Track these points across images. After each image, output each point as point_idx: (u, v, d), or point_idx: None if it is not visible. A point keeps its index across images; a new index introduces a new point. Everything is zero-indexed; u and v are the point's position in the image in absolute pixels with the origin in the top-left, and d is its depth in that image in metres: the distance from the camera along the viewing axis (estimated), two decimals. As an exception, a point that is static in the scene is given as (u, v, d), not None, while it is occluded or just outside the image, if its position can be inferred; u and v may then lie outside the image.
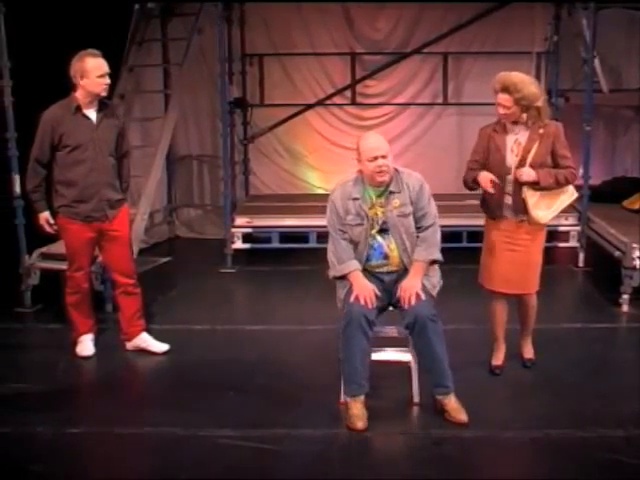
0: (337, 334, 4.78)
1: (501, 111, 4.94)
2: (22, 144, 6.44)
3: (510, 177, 5.03)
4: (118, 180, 5.62)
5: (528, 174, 4.92)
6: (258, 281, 7.83)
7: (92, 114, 5.44)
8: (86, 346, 5.75)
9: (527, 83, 4.90)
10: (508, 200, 5.06)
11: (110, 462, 4.35)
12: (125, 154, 5.71)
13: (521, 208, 5.03)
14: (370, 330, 4.60)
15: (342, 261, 4.71)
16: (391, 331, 4.94)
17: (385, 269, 4.77)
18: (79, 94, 5.40)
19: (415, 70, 9.39)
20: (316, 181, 9.60)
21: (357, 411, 4.62)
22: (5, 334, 6.23)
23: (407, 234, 4.72)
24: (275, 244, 8.18)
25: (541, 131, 4.94)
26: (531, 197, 4.98)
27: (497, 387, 5.22)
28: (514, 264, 5.10)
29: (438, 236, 4.79)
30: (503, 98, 4.89)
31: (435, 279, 4.82)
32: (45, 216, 5.56)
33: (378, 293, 4.67)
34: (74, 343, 5.74)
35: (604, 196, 8.26)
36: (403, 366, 4.85)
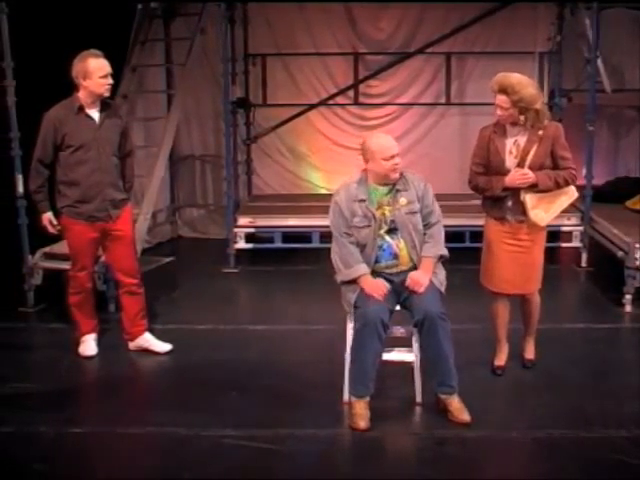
0: (343, 334, 4.80)
1: (499, 112, 4.92)
2: (25, 144, 6.45)
3: None
4: (121, 180, 5.61)
5: (523, 177, 4.90)
6: (261, 281, 7.83)
7: (95, 114, 5.43)
8: (89, 346, 5.74)
9: (525, 85, 4.86)
10: (508, 202, 5.05)
11: (113, 462, 4.36)
12: (128, 153, 5.70)
13: (520, 210, 5.02)
14: (384, 333, 4.61)
15: (349, 265, 4.69)
16: (397, 331, 4.94)
17: (395, 269, 4.76)
18: (81, 94, 5.38)
19: (418, 70, 9.38)
20: (319, 181, 9.60)
21: (360, 411, 4.62)
22: (8, 334, 6.23)
23: (415, 231, 4.73)
24: (278, 244, 8.18)
25: (540, 132, 4.92)
26: (530, 200, 4.97)
27: (500, 387, 5.22)
28: (515, 264, 5.09)
29: (443, 233, 4.83)
30: (501, 99, 4.87)
31: (442, 276, 4.84)
32: (48, 216, 5.56)
33: (387, 285, 4.67)
34: (77, 343, 5.75)
35: (607, 196, 8.26)
36: (406, 366, 4.85)
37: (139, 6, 8.44)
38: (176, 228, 9.62)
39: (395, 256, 4.75)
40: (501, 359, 5.37)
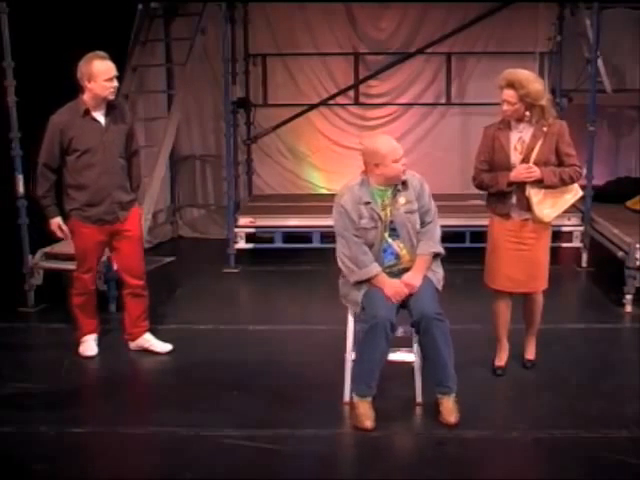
0: (343, 334, 4.80)
1: (505, 107, 4.95)
2: (26, 144, 6.46)
3: None
4: (128, 181, 5.58)
5: (528, 172, 4.92)
6: (261, 281, 7.83)
7: (100, 117, 5.38)
8: (89, 346, 5.74)
9: (532, 80, 4.92)
10: (512, 198, 5.06)
11: (114, 462, 4.35)
12: (134, 153, 5.66)
13: (525, 206, 5.03)
14: (392, 334, 4.61)
15: (364, 265, 4.68)
16: (397, 331, 4.92)
17: (397, 268, 4.76)
18: (87, 97, 5.33)
19: (419, 70, 9.39)
20: (319, 181, 9.60)
21: (365, 411, 4.62)
22: (9, 334, 6.23)
23: (413, 230, 4.73)
24: (278, 244, 8.18)
25: (545, 129, 4.95)
26: (535, 195, 4.98)
27: (500, 387, 5.22)
28: (520, 263, 5.10)
29: (438, 231, 4.82)
30: (508, 94, 4.90)
31: (440, 274, 4.83)
32: (57, 222, 5.50)
33: (406, 291, 4.67)
34: (77, 343, 5.74)
35: (607, 196, 8.26)
36: (406, 366, 4.84)
37: (140, 6, 8.45)
38: (176, 228, 9.62)
39: (397, 256, 4.75)
40: (501, 359, 5.37)
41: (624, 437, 4.47)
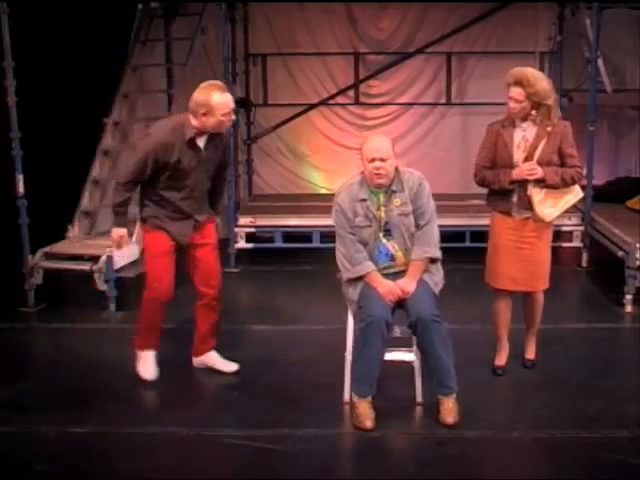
0: (343, 334, 4.80)
1: (512, 104, 4.94)
2: (26, 144, 6.46)
3: None
4: (208, 200, 5.25)
5: (530, 170, 4.92)
6: (262, 281, 7.83)
7: (201, 142, 4.97)
8: (150, 367, 5.31)
9: (540, 79, 4.92)
10: (514, 197, 5.06)
11: (114, 461, 4.36)
12: (222, 170, 5.35)
13: (526, 205, 5.03)
14: (388, 333, 4.61)
15: (357, 262, 4.69)
16: (397, 331, 4.93)
17: (392, 270, 4.76)
18: (197, 124, 4.87)
19: (419, 70, 9.40)
20: (319, 181, 9.62)
21: (365, 410, 4.62)
22: (9, 333, 6.24)
23: (408, 233, 4.72)
24: (278, 244, 8.18)
25: (549, 129, 4.95)
26: (536, 195, 4.99)
27: (501, 387, 5.22)
28: (521, 262, 5.10)
29: (435, 233, 4.78)
30: (515, 91, 4.90)
31: (438, 277, 4.81)
32: (122, 233, 5.11)
33: (399, 291, 4.66)
34: (134, 355, 5.38)
35: (607, 196, 8.27)
36: (406, 366, 4.85)
37: (139, 6, 8.46)
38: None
39: (391, 257, 4.75)
40: (502, 359, 5.37)
41: (624, 437, 4.47)
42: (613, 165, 9.30)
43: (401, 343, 4.87)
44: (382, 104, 9.52)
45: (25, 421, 4.73)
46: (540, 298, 5.29)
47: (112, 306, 6.61)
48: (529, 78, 4.87)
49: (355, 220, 4.70)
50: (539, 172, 4.94)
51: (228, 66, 8.04)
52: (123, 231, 5.12)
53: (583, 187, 7.14)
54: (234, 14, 8.64)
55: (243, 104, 9.09)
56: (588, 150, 7.64)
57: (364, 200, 4.69)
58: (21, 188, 6.51)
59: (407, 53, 9.25)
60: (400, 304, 4.70)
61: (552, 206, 5.04)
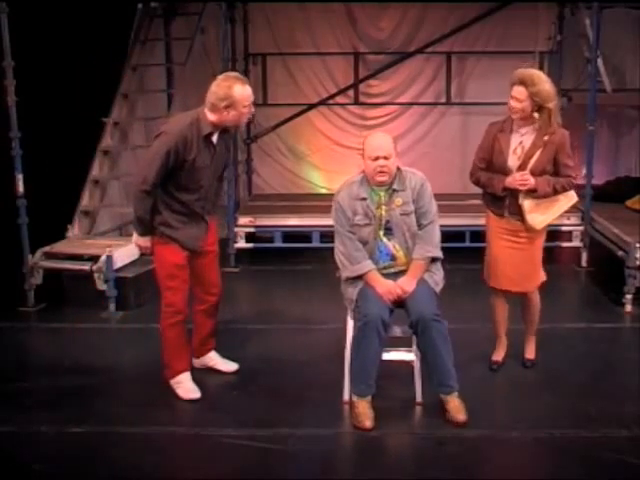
0: (343, 334, 4.80)
1: (513, 104, 4.93)
2: (26, 144, 6.46)
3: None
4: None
5: (522, 181, 4.92)
6: (261, 280, 7.83)
7: (214, 139, 4.82)
8: (189, 388, 5.05)
9: (544, 80, 4.91)
10: (506, 201, 5.07)
11: (113, 461, 4.35)
12: (226, 167, 5.23)
13: (517, 211, 5.04)
14: (385, 332, 4.60)
15: (357, 261, 4.69)
16: (397, 331, 4.94)
17: (392, 270, 4.76)
18: (215, 119, 4.72)
19: (418, 70, 9.40)
20: (319, 181, 9.61)
21: (364, 410, 4.62)
22: (8, 333, 6.23)
23: (409, 233, 4.72)
24: (278, 244, 8.17)
25: (546, 138, 4.92)
26: (528, 205, 5.00)
27: (500, 387, 5.22)
28: (514, 261, 5.11)
29: (437, 233, 4.78)
30: (518, 91, 4.89)
31: (438, 276, 4.81)
32: (146, 240, 4.91)
33: (398, 290, 4.65)
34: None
35: (607, 196, 8.27)
36: (406, 366, 4.85)
37: (139, 5, 8.45)
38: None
39: (392, 257, 4.75)
40: (499, 354, 5.39)
41: (624, 437, 4.47)
42: (613, 165, 9.30)
43: (401, 343, 4.87)
44: (382, 104, 9.52)
45: (25, 421, 4.73)
46: (535, 298, 5.30)
47: (112, 306, 6.61)
48: (533, 78, 4.87)
49: (354, 219, 4.70)
50: (531, 182, 4.93)
51: (228, 66, 8.01)
52: (147, 239, 4.90)
53: (583, 187, 7.20)
54: (234, 14, 8.63)
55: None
56: (588, 150, 7.63)
57: (364, 199, 4.69)
58: (21, 188, 6.51)
59: (407, 53, 9.24)
60: (400, 304, 4.70)
61: (543, 213, 5.04)
